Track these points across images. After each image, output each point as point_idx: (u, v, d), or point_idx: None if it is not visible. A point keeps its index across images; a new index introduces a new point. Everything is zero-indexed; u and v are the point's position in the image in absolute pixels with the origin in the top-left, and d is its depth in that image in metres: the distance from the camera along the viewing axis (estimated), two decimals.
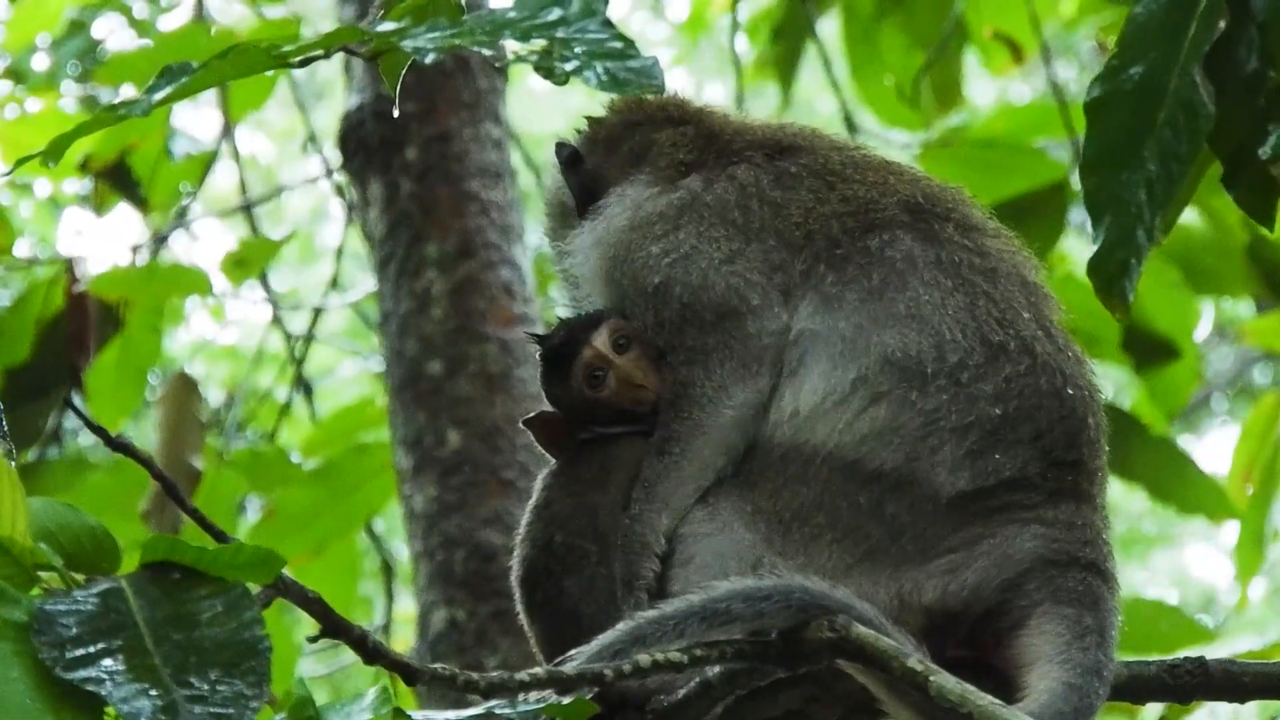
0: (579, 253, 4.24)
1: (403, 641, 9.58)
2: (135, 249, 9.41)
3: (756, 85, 9.52)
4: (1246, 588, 9.27)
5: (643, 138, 4.30)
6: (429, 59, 3.29)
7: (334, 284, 10.02)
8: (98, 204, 9.37)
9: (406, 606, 10.06)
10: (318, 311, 9.96)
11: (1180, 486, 8.76)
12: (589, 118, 4.40)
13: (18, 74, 11.21)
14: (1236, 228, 8.54)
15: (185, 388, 8.91)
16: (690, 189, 4.16)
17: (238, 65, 3.37)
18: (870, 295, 3.99)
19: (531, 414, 4.17)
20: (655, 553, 3.92)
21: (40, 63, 11.67)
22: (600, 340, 4.11)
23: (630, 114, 4.34)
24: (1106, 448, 4.02)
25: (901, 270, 4.01)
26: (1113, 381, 9.66)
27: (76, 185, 11.08)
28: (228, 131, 9.72)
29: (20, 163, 3.52)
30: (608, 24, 3.29)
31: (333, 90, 13.67)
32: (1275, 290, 8.80)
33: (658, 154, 4.26)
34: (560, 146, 4.35)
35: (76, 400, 8.79)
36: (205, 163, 9.68)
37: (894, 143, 9.19)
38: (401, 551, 10.47)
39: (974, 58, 9.48)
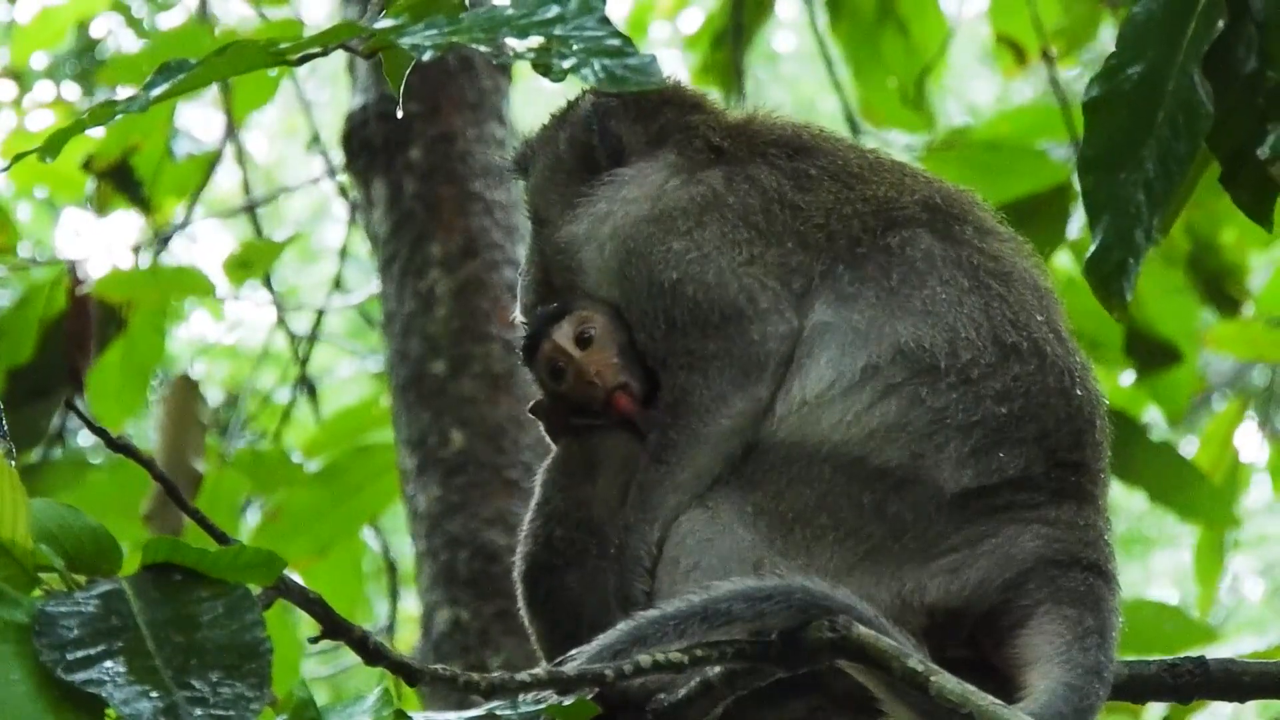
0: (592, 240, 4.17)
1: (406, 641, 9.57)
2: (137, 250, 9.41)
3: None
4: (1210, 594, 9.26)
5: (675, 117, 4.26)
6: (427, 56, 3.28)
7: (337, 284, 10.01)
8: (100, 205, 9.36)
9: (409, 606, 10.06)
10: (320, 313, 9.95)
11: (1181, 491, 8.76)
12: None
13: (16, 74, 11.21)
14: (1179, 237, 8.55)
15: (186, 389, 8.92)
16: (712, 186, 4.12)
17: (236, 62, 3.36)
18: (888, 293, 3.99)
19: (537, 400, 4.19)
20: (645, 567, 3.92)
21: (38, 61, 11.68)
22: (561, 333, 4.11)
23: (666, 92, 4.29)
24: (1109, 451, 4.03)
25: (921, 270, 4.00)
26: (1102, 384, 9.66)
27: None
28: (231, 131, 9.71)
29: (18, 158, 3.51)
30: (605, 21, 3.28)
31: (329, 91, 13.66)
32: (1216, 300, 8.83)
33: (689, 134, 4.22)
34: (597, 102, 4.27)
35: (78, 401, 8.78)
36: (208, 163, 9.67)
37: (895, 144, 9.19)
38: (404, 551, 10.46)
39: (975, 57, 9.48)
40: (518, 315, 4.34)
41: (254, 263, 9.01)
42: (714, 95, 4.46)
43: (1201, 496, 8.76)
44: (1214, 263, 8.80)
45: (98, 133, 8.91)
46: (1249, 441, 10.12)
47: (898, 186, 4.12)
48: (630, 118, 4.26)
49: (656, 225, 4.11)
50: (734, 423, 3.97)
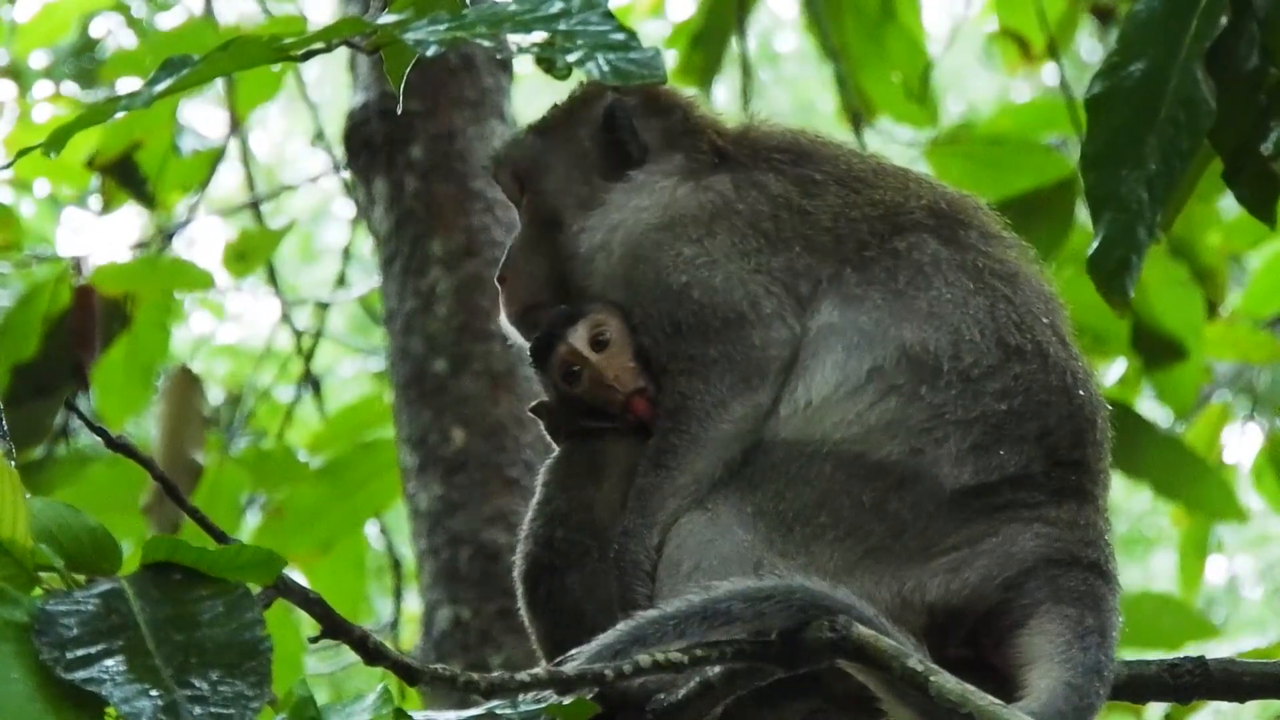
0: (603, 248, 4.17)
1: (411, 640, 9.58)
2: (141, 245, 9.41)
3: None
4: (1192, 595, 9.26)
5: (680, 119, 4.26)
6: (430, 51, 3.28)
7: (340, 281, 10.02)
8: (105, 201, 9.36)
9: (415, 604, 10.06)
10: (324, 307, 9.95)
11: (1187, 485, 8.76)
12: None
13: (16, 72, 11.21)
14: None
15: (187, 383, 8.92)
16: (722, 193, 4.13)
17: (239, 58, 3.36)
18: (894, 295, 3.99)
19: (539, 401, 4.18)
20: (646, 571, 3.92)
21: (37, 61, 11.68)
22: (577, 336, 4.10)
23: (675, 95, 4.31)
24: (1110, 452, 4.02)
25: (928, 273, 4.01)
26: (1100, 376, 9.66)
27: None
28: (235, 127, 9.71)
29: (21, 154, 3.50)
30: (609, 16, 3.28)
31: (327, 88, 13.66)
32: None
33: (695, 138, 4.23)
34: (618, 102, 4.25)
35: (82, 396, 8.79)
36: (212, 159, 9.66)
37: (899, 139, 9.18)
38: (409, 549, 10.45)
39: (975, 57, 9.48)
40: (505, 318, 4.28)
41: (251, 254, 9.01)
42: (699, 97, 4.47)
43: (1208, 489, 8.76)
44: (1191, 265, 8.80)
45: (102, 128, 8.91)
46: (1243, 440, 10.11)
47: (903, 192, 4.13)
48: (644, 116, 4.27)
49: (667, 232, 4.11)
50: (734, 428, 3.97)
